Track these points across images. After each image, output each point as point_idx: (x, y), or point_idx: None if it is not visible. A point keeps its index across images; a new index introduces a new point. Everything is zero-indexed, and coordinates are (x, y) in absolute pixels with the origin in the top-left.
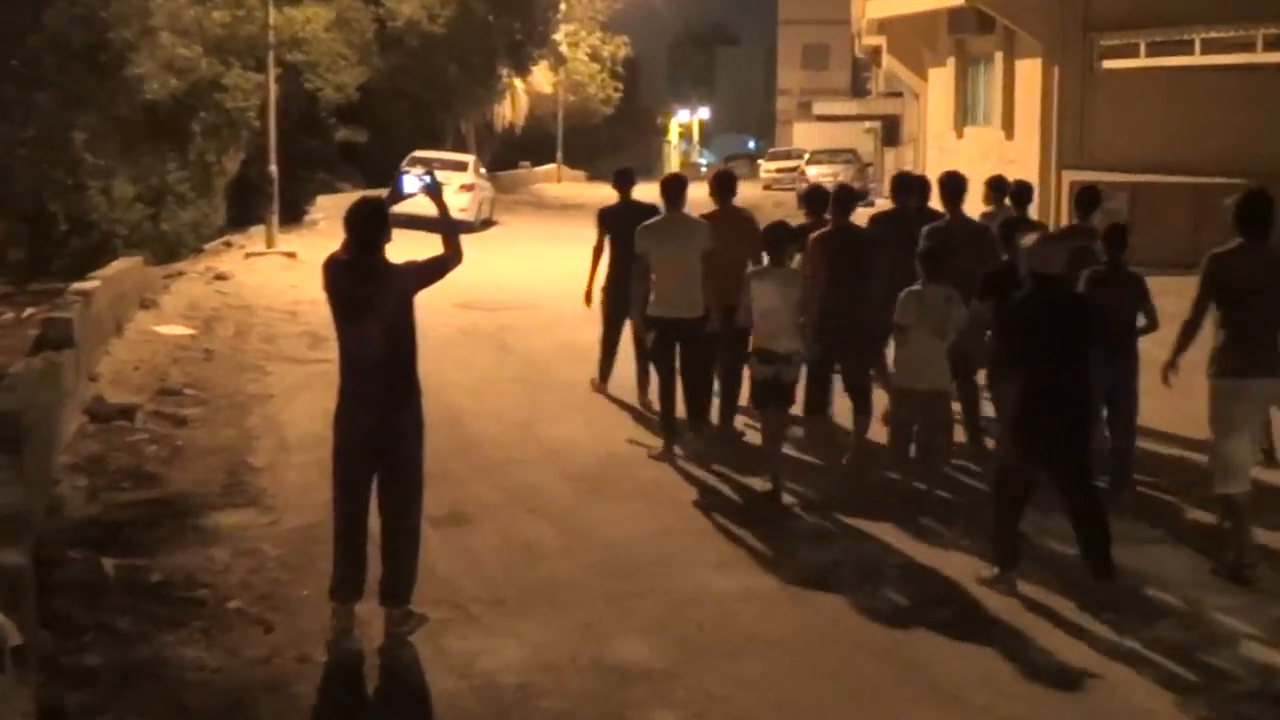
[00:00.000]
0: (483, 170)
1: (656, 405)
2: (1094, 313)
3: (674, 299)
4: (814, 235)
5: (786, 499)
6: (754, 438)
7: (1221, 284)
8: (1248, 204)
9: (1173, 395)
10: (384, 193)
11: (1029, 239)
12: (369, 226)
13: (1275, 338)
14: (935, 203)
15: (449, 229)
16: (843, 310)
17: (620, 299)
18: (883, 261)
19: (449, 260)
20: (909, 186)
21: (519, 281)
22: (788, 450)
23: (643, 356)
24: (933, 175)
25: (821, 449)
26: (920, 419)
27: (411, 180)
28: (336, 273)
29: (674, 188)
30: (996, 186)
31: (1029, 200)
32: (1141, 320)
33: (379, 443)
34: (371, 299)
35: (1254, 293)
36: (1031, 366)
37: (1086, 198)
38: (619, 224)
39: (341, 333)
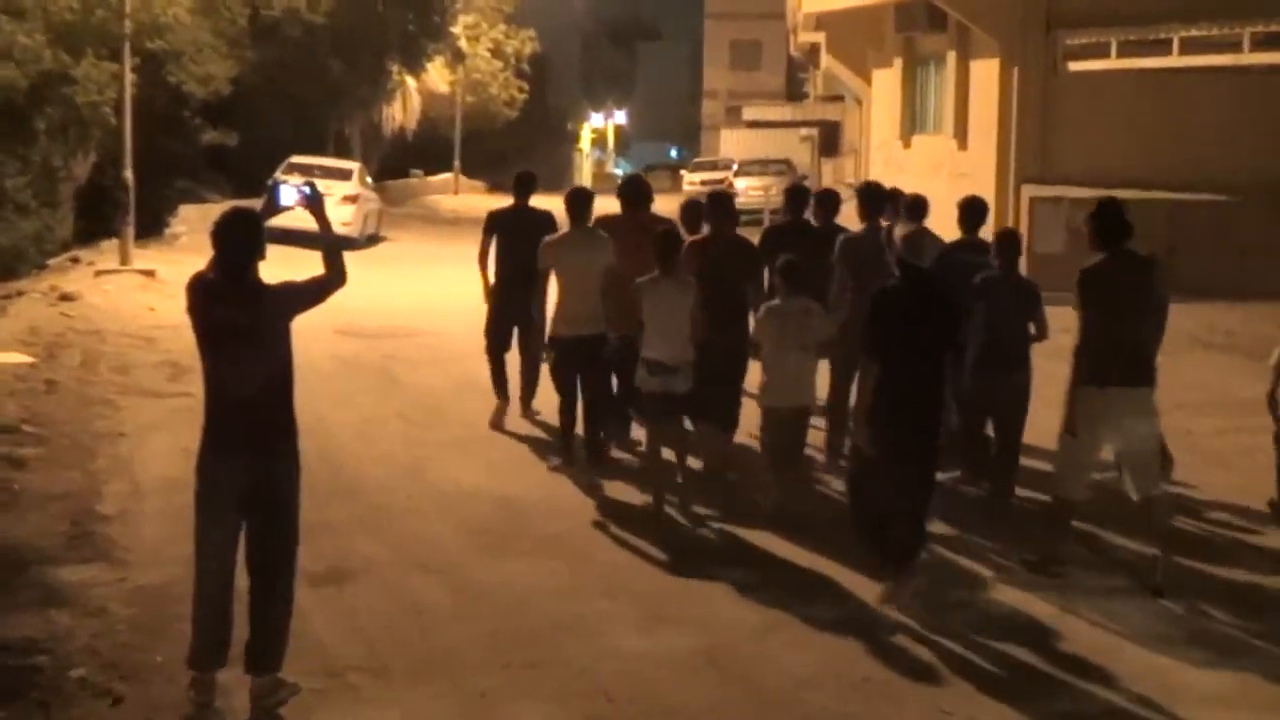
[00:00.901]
0: (369, 180)
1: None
2: (955, 311)
3: (577, 317)
4: (690, 241)
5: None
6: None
7: (1092, 297)
8: (1101, 215)
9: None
10: (258, 204)
11: (900, 231)
12: (240, 242)
13: (1138, 348)
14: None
15: (331, 246)
16: (716, 322)
17: (505, 309)
18: (759, 273)
19: (331, 281)
20: (802, 199)
21: (408, 305)
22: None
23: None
24: None
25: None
26: (785, 435)
27: (289, 191)
28: (203, 294)
29: (579, 202)
30: (869, 196)
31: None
32: (1033, 329)
33: (249, 489)
34: (243, 324)
35: (1117, 302)
36: (888, 358)
37: (973, 210)
38: (507, 229)
39: (208, 363)
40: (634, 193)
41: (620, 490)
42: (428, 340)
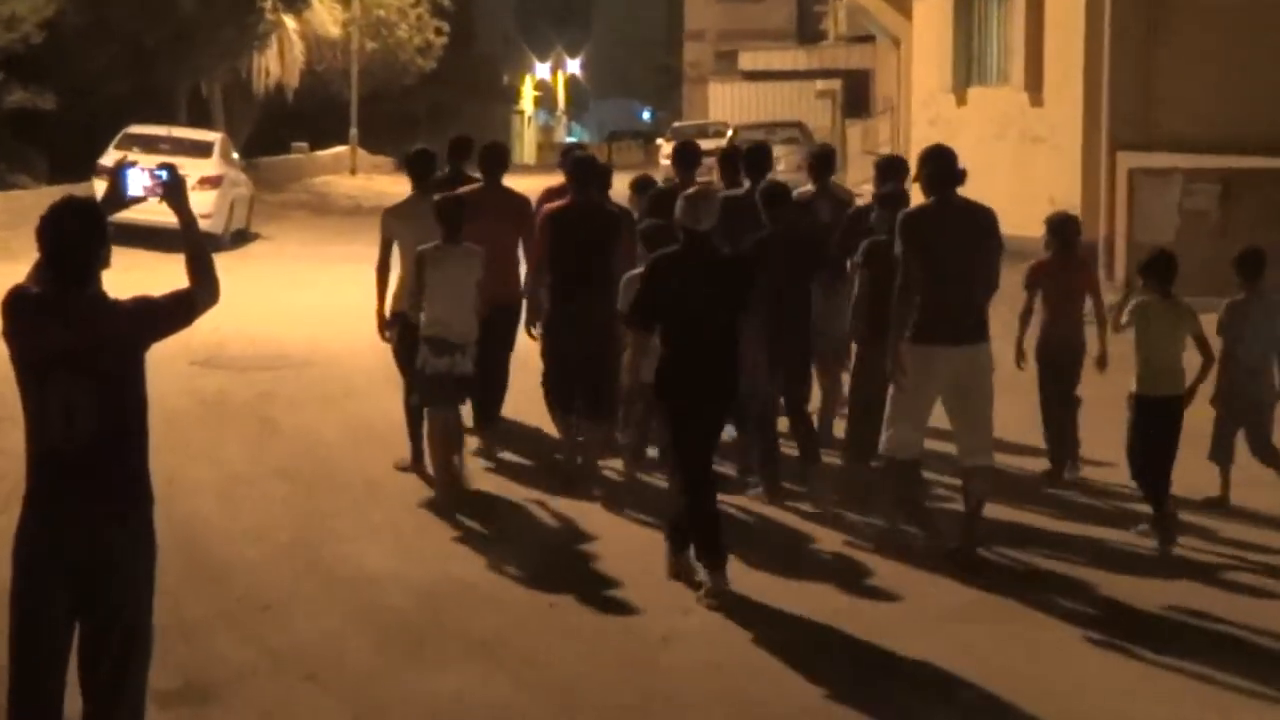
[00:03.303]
0: (236, 156)
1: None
2: (749, 273)
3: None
4: (545, 209)
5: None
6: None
7: (915, 245)
8: (933, 160)
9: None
10: (96, 192)
11: (691, 191)
12: (78, 243)
13: (969, 303)
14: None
15: (197, 249)
16: (571, 298)
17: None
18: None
19: (199, 297)
20: (751, 162)
21: (289, 326)
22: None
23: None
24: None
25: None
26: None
27: (138, 175)
28: (25, 312)
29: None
30: (729, 160)
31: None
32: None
33: (85, 575)
34: (81, 351)
35: (943, 253)
36: (677, 328)
37: (891, 168)
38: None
39: (32, 403)
40: (493, 160)
41: (574, 568)
42: (316, 372)
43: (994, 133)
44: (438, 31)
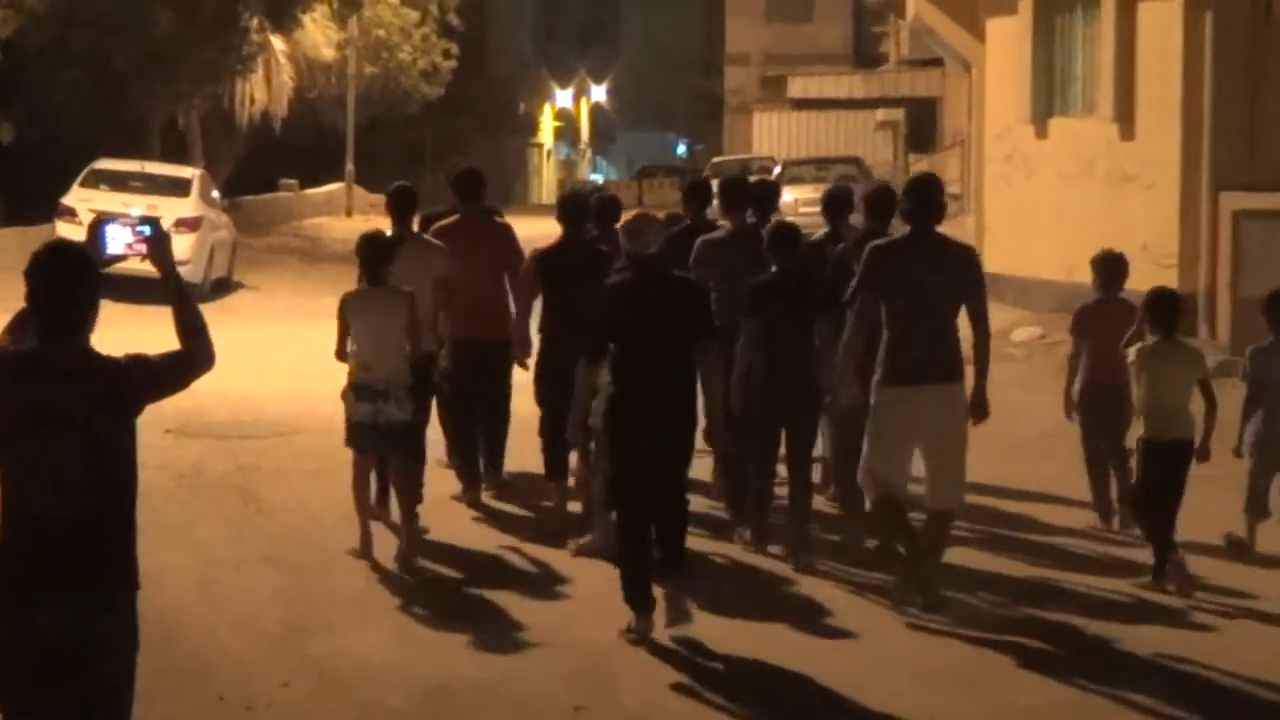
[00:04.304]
0: (216, 194)
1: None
2: (702, 294)
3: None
4: (534, 252)
5: None
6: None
7: (881, 280)
8: (917, 190)
9: None
10: (60, 234)
11: (629, 218)
12: (69, 293)
13: (938, 342)
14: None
15: (187, 310)
16: (559, 341)
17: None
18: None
19: (196, 360)
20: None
21: (275, 388)
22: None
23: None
24: (996, 198)
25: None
26: None
27: (119, 231)
28: (7, 368)
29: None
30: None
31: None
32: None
33: (64, 664)
34: (69, 411)
35: (912, 289)
36: (629, 355)
37: (877, 202)
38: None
39: (9, 467)
40: (470, 185)
41: (603, 661)
42: (305, 441)
43: (1078, 170)
44: (445, 54)
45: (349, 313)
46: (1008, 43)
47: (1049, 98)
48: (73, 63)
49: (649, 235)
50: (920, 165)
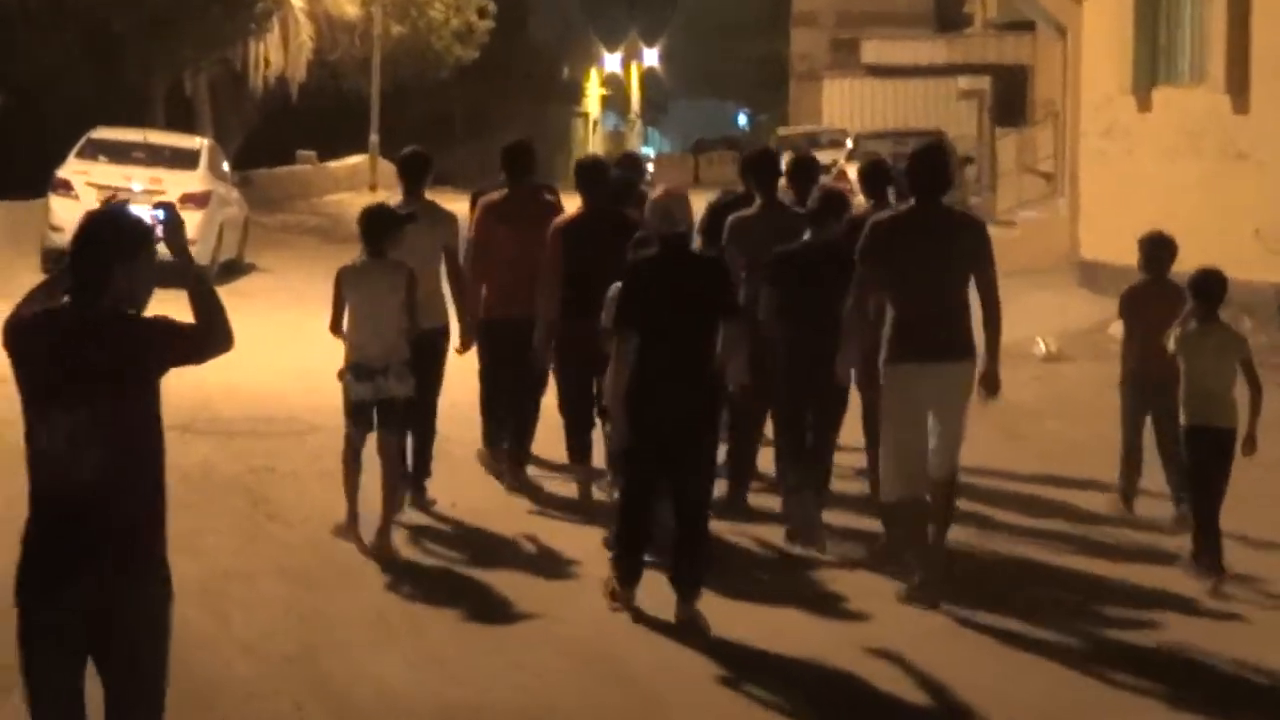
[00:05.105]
0: (226, 167)
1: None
2: (723, 276)
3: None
4: (556, 221)
5: None
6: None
7: (881, 254)
8: (920, 159)
9: None
10: (52, 210)
11: (656, 192)
12: (103, 251)
13: (943, 318)
14: None
15: (204, 296)
16: (583, 315)
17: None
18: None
19: (212, 337)
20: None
21: (289, 382)
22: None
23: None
24: (1093, 177)
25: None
26: None
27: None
28: (33, 328)
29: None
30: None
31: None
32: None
33: (93, 633)
34: (99, 369)
35: (914, 263)
36: (652, 332)
37: (873, 176)
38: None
39: (36, 431)
40: (517, 159)
41: (641, 673)
42: (322, 440)
43: (1186, 145)
44: (481, 13)
45: (345, 285)
46: (1108, 5)
47: (1153, 65)
48: (66, 25)
49: (676, 213)
50: (1007, 140)
